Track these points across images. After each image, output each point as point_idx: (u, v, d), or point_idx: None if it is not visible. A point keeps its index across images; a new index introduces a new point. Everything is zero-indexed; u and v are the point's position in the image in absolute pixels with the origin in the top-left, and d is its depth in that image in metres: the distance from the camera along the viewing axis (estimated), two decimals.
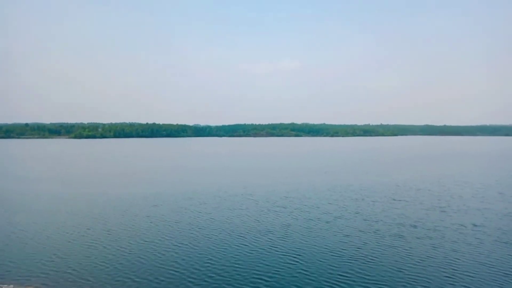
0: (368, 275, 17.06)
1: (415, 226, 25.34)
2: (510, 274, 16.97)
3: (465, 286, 15.81)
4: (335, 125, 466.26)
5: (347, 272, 17.46)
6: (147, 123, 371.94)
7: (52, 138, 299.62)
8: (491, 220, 27.09)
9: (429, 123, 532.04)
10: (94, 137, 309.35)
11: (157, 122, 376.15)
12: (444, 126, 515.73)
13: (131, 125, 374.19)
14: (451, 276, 16.87)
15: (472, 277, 16.71)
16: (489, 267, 17.90)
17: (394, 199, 35.28)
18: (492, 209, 30.90)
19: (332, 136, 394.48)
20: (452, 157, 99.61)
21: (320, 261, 19.02)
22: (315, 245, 21.56)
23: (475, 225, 25.51)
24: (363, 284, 16.14)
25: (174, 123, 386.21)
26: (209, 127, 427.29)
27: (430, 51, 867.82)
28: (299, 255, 19.92)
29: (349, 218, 27.85)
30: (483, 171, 61.01)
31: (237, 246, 21.51)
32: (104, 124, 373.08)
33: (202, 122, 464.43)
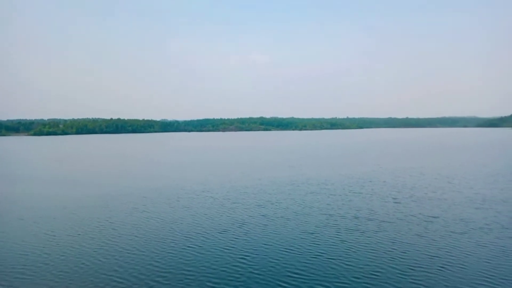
0: (324, 272, 16.53)
1: (370, 219, 25.29)
2: (463, 264, 17.05)
3: (420, 278, 15.65)
4: (303, 119, 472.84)
5: (302, 270, 16.83)
6: (111, 119, 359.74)
7: (9, 135, 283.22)
8: (446, 210, 27.59)
9: (392, 116, 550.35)
10: (55, 133, 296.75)
11: (122, 118, 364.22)
12: (406, 118, 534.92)
13: (94, 120, 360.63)
14: (406, 270, 16.69)
15: (425, 268, 16.61)
16: (441, 258, 17.91)
17: (353, 192, 35.36)
18: (446, 199, 31.61)
19: (300, 129, 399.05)
20: (412, 148, 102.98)
21: (275, 259, 18.30)
22: (270, 243, 20.85)
23: (431, 216, 25.83)
24: (319, 281, 15.60)
25: (140, 118, 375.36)
26: (177, 122, 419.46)
27: (397, 48, 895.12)
28: (252, 254, 19.12)
29: (308, 213, 27.43)
30: (440, 162, 63.15)
31: (185, 247, 20.37)
32: (65, 120, 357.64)
33: (170, 117, 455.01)
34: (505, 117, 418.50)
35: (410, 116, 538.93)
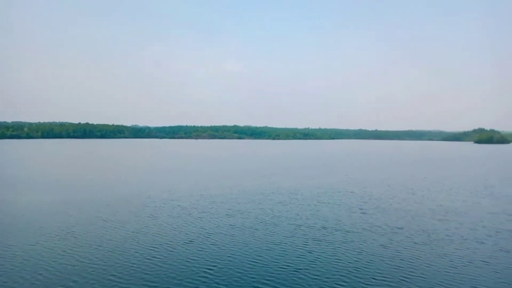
0: (290, 283, 16.35)
1: (338, 230, 25.50)
2: (424, 275, 17.38)
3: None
4: (277, 128, 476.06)
5: (268, 281, 16.56)
6: (79, 123, 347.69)
7: None
8: (410, 222, 28.27)
9: (363, 128, 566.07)
10: (19, 137, 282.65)
11: (90, 122, 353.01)
12: (376, 131, 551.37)
13: (62, 124, 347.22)
14: (369, 280, 16.79)
15: (388, 279, 16.78)
16: (404, 269, 18.20)
17: (322, 202, 35.67)
18: (410, 210, 32.46)
19: (273, 138, 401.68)
20: (380, 159, 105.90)
21: (241, 270, 17.94)
22: (237, 254, 20.48)
23: (396, 227, 26.37)
24: None
25: (110, 123, 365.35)
26: (148, 128, 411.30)
27: (367, 59, 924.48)
28: (218, 265, 18.68)
29: (276, 223, 27.31)
30: (406, 174, 65.13)
31: (149, 258, 19.63)
32: (31, 123, 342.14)
33: (141, 123, 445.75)
34: (468, 131, 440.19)
35: (379, 129, 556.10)
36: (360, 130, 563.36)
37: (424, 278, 17.20)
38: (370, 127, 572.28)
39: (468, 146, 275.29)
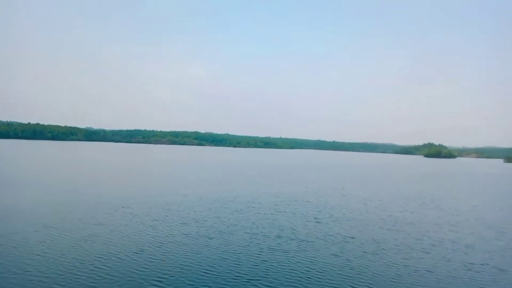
0: None
1: (292, 239, 25.65)
2: (372, 284, 17.82)
3: None
4: (238, 136, 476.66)
5: None
6: (28, 123, 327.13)
7: None
8: (362, 231, 29.11)
9: (321, 139, 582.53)
10: None
11: (41, 123, 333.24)
12: (334, 142, 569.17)
13: (9, 124, 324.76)
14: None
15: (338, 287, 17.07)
16: (353, 278, 18.57)
17: (279, 211, 35.87)
18: (362, 220, 33.50)
19: (234, 146, 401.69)
20: (336, 170, 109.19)
21: (192, 281, 17.39)
22: (189, 264, 19.86)
23: (348, 236, 27.01)
24: None
25: (63, 124, 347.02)
26: (103, 131, 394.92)
27: (325, 76, 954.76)
28: (169, 276, 17.96)
29: (232, 232, 26.96)
30: (360, 184, 67.49)
31: (94, 269, 18.52)
32: None
33: (97, 125, 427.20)
34: (418, 145, 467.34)
35: (337, 140, 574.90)
36: (319, 140, 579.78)
37: (372, 287, 17.67)
38: (329, 138, 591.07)
39: (418, 160, 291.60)
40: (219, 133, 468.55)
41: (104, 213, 31.39)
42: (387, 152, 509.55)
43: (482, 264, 21.71)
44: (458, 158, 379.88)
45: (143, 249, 22.19)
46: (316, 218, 33.19)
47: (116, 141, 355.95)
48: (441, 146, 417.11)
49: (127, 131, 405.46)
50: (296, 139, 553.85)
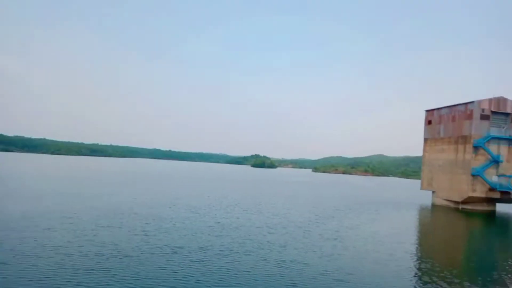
0: None
1: (115, 255, 23.34)
2: None
3: None
4: (58, 141, 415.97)
5: None
6: None
7: None
8: (190, 240, 29.06)
9: (157, 148, 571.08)
10: None
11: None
12: (170, 151, 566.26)
13: None
14: None
15: None
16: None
17: (101, 226, 32.34)
18: (191, 228, 33.68)
19: (52, 153, 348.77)
20: (167, 178, 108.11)
21: None
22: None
23: (176, 247, 26.42)
24: None
25: None
26: None
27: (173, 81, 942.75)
28: None
29: (38, 255, 22.55)
30: (192, 192, 68.41)
31: None
32: None
33: None
34: (247, 156, 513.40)
35: (173, 149, 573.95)
36: (155, 149, 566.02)
37: None
38: (165, 147, 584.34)
39: (246, 169, 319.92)
40: (33, 137, 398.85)
41: None
42: (220, 162, 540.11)
43: (291, 261, 24.83)
44: (278, 168, 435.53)
45: None
46: (144, 231, 31.46)
47: None
48: (265, 157, 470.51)
49: None
50: (130, 147, 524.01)
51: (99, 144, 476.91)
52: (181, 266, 22.13)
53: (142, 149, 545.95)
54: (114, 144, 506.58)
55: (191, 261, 23.27)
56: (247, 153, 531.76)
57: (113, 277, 19.51)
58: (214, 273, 21.18)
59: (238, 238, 31.07)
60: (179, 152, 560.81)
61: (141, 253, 24.35)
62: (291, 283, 20.32)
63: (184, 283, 19.25)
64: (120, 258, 22.89)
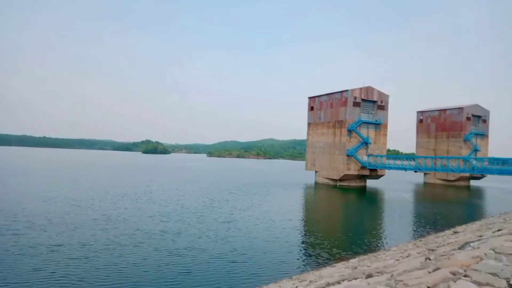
0: None
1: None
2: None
3: None
4: None
5: None
6: None
7: None
8: (72, 236, 26.05)
9: (28, 134, 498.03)
10: None
11: None
12: (44, 137, 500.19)
13: None
14: None
15: None
16: None
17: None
18: (73, 223, 30.30)
19: None
20: (42, 170, 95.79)
21: None
22: None
23: (55, 245, 23.33)
24: None
25: None
26: None
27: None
28: None
29: None
30: (71, 185, 61.79)
31: None
32: None
33: None
34: (137, 142, 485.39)
35: (48, 136, 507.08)
36: (25, 136, 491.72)
37: None
38: (37, 134, 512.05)
39: (137, 155, 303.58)
40: None
41: None
42: (106, 149, 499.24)
43: (185, 248, 24.37)
44: (172, 154, 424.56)
45: None
46: (10, 230, 27.03)
47: None
48: (157, 142, 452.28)
49: None
50: None
51: None
52: (60, 265, 19.67)
53: (8, 135, 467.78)
54: None
55: (71, 259, 20.86)
56: (137, 139, 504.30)
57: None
58: (99, 269, 19.40)
59: (127, 230, 29.11)
60: (55, 139, 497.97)
61: (9, 255, 20.84)
62: (185, 270, 19.93)
63: (65, 283, 17.15)
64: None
